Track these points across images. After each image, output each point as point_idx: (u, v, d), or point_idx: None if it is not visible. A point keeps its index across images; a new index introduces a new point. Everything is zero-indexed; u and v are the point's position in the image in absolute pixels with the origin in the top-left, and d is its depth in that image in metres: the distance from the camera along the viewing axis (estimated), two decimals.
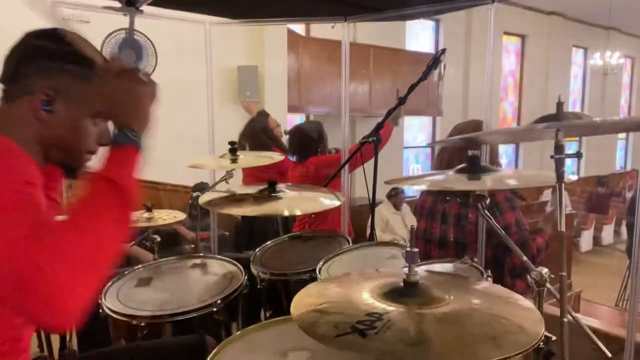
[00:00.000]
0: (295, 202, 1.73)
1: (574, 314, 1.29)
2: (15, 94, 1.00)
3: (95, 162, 1.06)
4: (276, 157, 2.23)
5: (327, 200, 1.71)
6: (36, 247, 0.78)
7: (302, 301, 0.93)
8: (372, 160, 2.22)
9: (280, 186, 1.75)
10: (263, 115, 3.86)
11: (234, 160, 2.07)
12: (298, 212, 1.73)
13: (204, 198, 1.84)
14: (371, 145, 2.18)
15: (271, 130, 3.70)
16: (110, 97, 1.01)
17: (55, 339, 1.99)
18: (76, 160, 1.09)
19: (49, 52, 1.02)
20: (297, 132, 3.17)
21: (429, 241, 2.20)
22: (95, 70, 1.04)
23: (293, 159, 3.12)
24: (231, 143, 2.12)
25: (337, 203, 1.69)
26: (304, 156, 3.02)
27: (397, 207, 5.78)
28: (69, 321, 0.80)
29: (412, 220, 5.93)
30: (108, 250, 0.88)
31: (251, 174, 3.35)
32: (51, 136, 1.03)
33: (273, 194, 1.70)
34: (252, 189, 1.77)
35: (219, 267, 1.79)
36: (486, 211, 1.45)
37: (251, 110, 4.24)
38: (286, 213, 1.72)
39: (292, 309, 0.89)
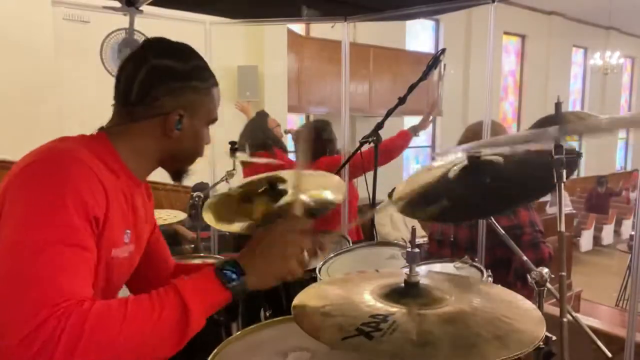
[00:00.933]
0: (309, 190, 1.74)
1: (574, 313, 1.29)
2: (145, 115, 1.02)
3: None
4: (272, 161, 2.23)
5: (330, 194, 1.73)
6: (40, 323, 0.73)
7: (304, 304, 0.93)
8: (371, 153, 2.21)
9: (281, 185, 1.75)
10: (262, 115, 3.85)
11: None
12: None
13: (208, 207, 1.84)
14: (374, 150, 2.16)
15: (271, 130, 3.70)
16: (263, 239, 0.96)
17: None
18: (188, 166, 1.14)
19: (176, 72, 1.03)
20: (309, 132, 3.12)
21: (441, 242, 2.18)
22: (212, 80, 1.08)
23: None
24: (231, 143, 2.12)
25: (343, 189, 1.71)
26: (313, 156, 2.99)
27: None
28: None
29: (412, 220, 5.94)
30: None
31: (252, 175, 3.34)
32: (174, 150, 1.06)
33: (276, 192, 1.71)
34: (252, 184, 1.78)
35: None
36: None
37: (246, 111, 4.21)
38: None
39: (294, 313, 0.89)
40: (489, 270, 1.51)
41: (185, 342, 0.85)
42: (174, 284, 0.86)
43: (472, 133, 2.17)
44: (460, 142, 2.15)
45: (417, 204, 1.39)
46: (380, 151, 2.48)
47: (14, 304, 0.75)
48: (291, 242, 0.95)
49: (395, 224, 5.64)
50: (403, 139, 2.84)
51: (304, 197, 1.65)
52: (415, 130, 2.85)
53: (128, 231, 1.02)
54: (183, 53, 1.06)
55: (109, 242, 0.94)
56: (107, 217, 0.92)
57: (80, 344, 0.74)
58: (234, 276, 0.90)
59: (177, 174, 1.14)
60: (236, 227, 1.66)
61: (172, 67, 1.03)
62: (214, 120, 1.11)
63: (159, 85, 1.01)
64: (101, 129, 1.05)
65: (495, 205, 1.30)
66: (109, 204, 0.92)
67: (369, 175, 2.20)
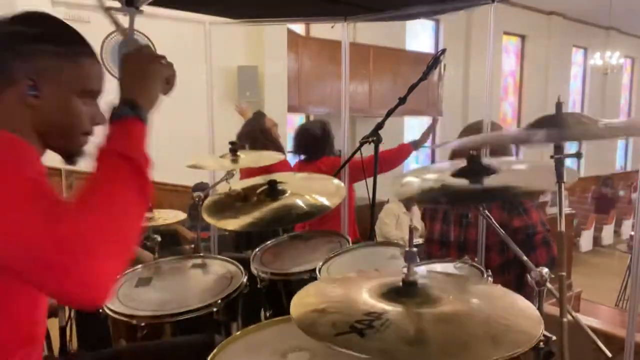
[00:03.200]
0: (305, 194, 1.74)
1: (574, 313, 1.29)
2: (0, 88, 0.98)
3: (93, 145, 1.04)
4: (277, 156, 2.23)
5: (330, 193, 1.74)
6: (57, 232, 0.78)
7: (302, 301, 0.93)
8: (372, 160, 2.21)
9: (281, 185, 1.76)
10: (259, 115, 3.85)
11: (234, 161, 2.07)
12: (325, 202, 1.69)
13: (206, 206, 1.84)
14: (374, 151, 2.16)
15: (269, 130, 3.70)
16: (124, 69, 1.03)
17: (55, 339, 1.99)
18: (73, 144, 1.07)
19: (22, 35, 0.98)
20: (303, 132, 3.17)
21: (445, 244, 2.18)
22: (76, 46, 1.03)
23: (299, 158, 3.13)
24: (232, 143, 2.12)
25: (342, 195, 1.72)
26: (313, 156, 3.02)
27: (407, 207, 5.78)
28: (102, 297, 0.81)
29: (418, 223, 5.94)
30: (130, 223, 0.88)
31: (249, 176, 3.35)
32: (45, 122, 1.01)
33: (277, 193, 1.72)
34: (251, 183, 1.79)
35: (219, 267, 1.79)
36: (486, 211, 1.45)
37: (245, 114, 4.21)
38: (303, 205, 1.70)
39: (291, 309, 0.89)
40: (489, 270, 1.51)
41: (147, 180, 0.91)
42: (106, 148, 0.92)
43: (469, 134, 2.17)
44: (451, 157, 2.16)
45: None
46: (381, 161, 2.49)
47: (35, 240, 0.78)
48: (156, 59, 1.06)
49: (400, 225, 5.65)
50: (403, 152, 2.89)
51: None
52: (416, 145, 2.90)
53: None
54: (36, 18, 1.01)
55: None
56: None
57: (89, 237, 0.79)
58: (134, 109, 0.96)
59: (64, 154, 1.08)
60: (236, 226, 1.66)
61: (20, 31, 0.98)
62: (88, 91, 1.05)
63: (4, 52, 0.97)
64: None
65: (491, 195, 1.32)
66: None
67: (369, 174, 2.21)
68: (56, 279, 0.78)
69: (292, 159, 3.53)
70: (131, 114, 0.96)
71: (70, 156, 1.09)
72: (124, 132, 0.94)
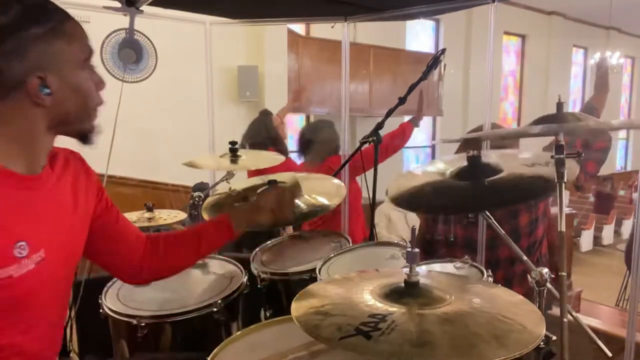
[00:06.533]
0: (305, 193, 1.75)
1: (574, 313, 1.29)
2: (1, 95, 0.85)
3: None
4: (277, 157, 2.23)
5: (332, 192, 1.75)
6: None
7: (303, 303, 0.93)
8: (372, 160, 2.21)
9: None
10: (265, 113, 3.84)
11: (234, 161, 2.06)
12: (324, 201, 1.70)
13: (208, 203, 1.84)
14: (374, 150, 2.16)
15: (274, 128, 3.68)
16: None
17: None
18: (90, 122, 0.96)
19: (6, 28, 0.82)
20: (313, 132, 3.15)
21: (449, 243, 2.16)
22: (57, 16, 0.88)
23: (304, 158, 3.11)
24: (232, 143, 2.12)
25: (342, 194, 1.72)
26: (321, 156, 3.01)
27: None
28: None
29: (414, 220, 5.91)
30: None
31: (256, 175, 3.33)
32: (60, 113, 0.90)
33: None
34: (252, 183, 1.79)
35: (219, 267, 1.79)
36: (487, 212, 1.44)
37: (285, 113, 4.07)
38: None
39: (293, 311, 0.89)
40: (489, 270, 1.51)
41: None
42: None
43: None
44: (459, 149, 2.15)
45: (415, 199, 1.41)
46: (385, 145, 2.51)
47: None
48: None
49: (394, 225, 5.61)
50: (406, 131, 2.90)
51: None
52: (415, 121, 2.91)
53: (22, 243, 0.86)
54: (5, 3, 0.84)
55: None
56: None
57: None
58: None
59: (82, 137, 0.96)
60: None
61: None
62: (86, 58, 0.93)
63: None
64: None
65: (492, 201, 1.32)
66: None
67: (369, 175, 2.21)
68: None
69: (296, 159, 3.52)
70: None
71: (87, 137, 0.97)
72: None
